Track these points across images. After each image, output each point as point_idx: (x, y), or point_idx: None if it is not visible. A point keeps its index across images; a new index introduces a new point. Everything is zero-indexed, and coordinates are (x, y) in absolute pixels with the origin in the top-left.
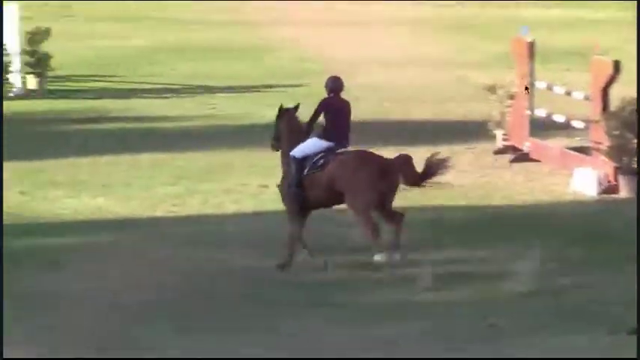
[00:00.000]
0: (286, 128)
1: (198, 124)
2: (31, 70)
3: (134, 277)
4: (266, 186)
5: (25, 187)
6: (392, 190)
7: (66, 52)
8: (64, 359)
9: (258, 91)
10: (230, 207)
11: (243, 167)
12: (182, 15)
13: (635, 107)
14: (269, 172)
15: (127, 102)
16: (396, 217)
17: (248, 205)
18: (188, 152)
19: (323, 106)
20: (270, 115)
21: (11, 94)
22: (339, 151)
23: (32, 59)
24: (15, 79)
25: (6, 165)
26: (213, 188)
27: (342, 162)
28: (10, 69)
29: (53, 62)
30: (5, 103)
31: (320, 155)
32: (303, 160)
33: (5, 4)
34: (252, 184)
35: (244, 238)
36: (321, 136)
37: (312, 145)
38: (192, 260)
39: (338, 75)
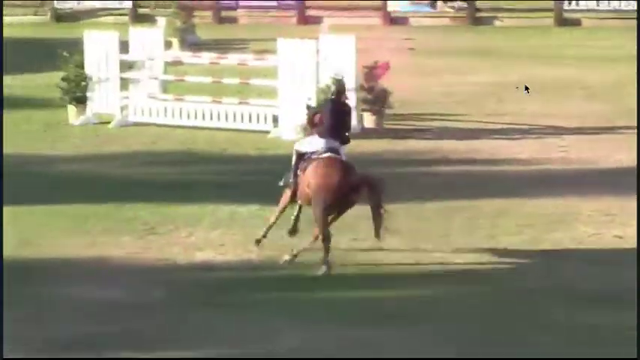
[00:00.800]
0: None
1: (547, 168)
2: (368, 107)
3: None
4: (621, 237)
5: (358, 234)
6: (343, 206)
7: (406, 88)
8: (64, 359)
9: (615, 133)
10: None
11: (595, 215)
12: (530, 50)
13: None
14: (627, 220)
15: (471, 143)
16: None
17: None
18: (535, 199)
19: (328, 107)
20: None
21: (347, 134)
22: (322, 155)
23: (370, 96)
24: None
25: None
26: (561, 238)
27: (314, 166)
28: None
29: (392, 99)
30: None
31: (309, 154)
32: (303, 155)
33: (343, 37)
34: (606, 234)
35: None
36: (320, 135)
37: (313, 142)
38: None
39: (341, 76)
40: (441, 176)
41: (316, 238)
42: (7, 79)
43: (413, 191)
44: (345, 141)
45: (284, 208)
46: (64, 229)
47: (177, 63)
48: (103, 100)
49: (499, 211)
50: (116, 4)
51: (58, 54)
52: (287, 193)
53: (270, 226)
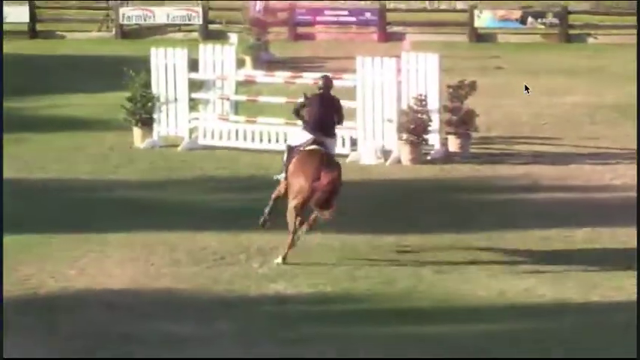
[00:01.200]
0: None
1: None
2: (452, 130)
3: None
4: None
5: (441, 264)
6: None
7: (493, 110)
8: (64, 359)
9: None
10: None
11: None
12: (626, 69)
13: None
14: None
15: (563, 168)
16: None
17: None
18: (628, 228)
19: (314, 101)
20: None
21: (429, 157)
22: (308, 147)
23: (454, 117)
24: (434, 139)
25: (415, 238)
26: None
27: (295, 159)
28: (429, 128)
29: (478, 121)
30: (414, 168)
31: (297, 147)
32: (293, 149)
33: (426, 55)
34: None
35: None
36: (307, 129)
37: (301, 136)
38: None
39: (327, 74)
40: (529, 204)
41: (310, 225)
42: (71, 99)
43: (499, 220)
44: (333, 134)
45: (277, 198)
46: (128, 259)
47: (249, 82)
48: (171, 121)
49: (590, 240)
50: (185, 20)
51: (124, 72)
52: (282, 185)
53: (269, 211)
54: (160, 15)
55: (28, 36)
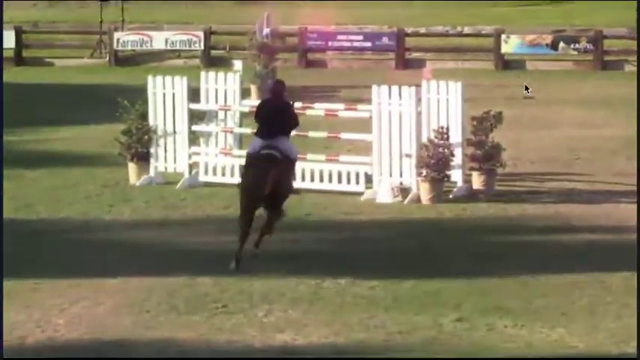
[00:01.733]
0: None
1: None
2: (476, 165)
3: None
4: None
5: (463, 312)
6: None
7: (521, 144)
8: (65, 359)
9: None
10: None
11: None
12: None
13: None
14: None
15: (597, 208)
16: (266, 221)
17: None
18: None
19: (260, 106)
20: None
21: (450, 195)
22: (262, 151)
23: (479, 152)
24: (456, 176)
25: (435, 283)
26: None
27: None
28: (451, 163)
29: (505, 156)
30: (435, 207)
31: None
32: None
33: (451, 83)
34: None
35: None
36: (257, 134)
37: (253, 142)
38: None
39: (280, 79)
40: (560, 246)
41: (263, 233)
42: (61, 132)
43: (528, 263)
44: (283, 132)
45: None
46: (122, 306)
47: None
48: (169, 156)
49: (627, 287)
50: (185, 46)
51: (118, 102)
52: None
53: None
54: (158, 40)
55: (14, 63)
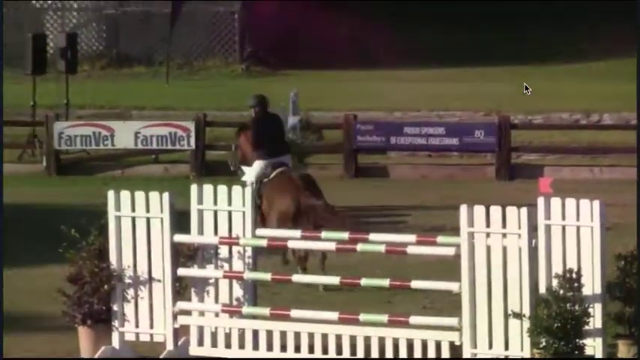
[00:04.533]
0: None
1: None
2: (624, 331)
3: None
4: None
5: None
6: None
7: None
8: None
9: None
10: None
11: None
12: None
13: None
14: None
15: None
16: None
17: None
18: None
19: (254, 125)
20: None
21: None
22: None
23: (629, 310)
24: (594, 347)
25: None
26: None
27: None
28: (585, 327)
29: None
30: None
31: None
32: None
33: (583, 202)
34: None
35: None
36: (260, 157)
37: (256, 168)
38: None
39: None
40: None
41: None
42: None
43: None
44: (287, 150)
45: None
46: None
47: (277, 248)
48: (143, 317)
49: None
50: (167, 144)
51: (62, 233)
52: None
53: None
54: (123, 134)
55: None
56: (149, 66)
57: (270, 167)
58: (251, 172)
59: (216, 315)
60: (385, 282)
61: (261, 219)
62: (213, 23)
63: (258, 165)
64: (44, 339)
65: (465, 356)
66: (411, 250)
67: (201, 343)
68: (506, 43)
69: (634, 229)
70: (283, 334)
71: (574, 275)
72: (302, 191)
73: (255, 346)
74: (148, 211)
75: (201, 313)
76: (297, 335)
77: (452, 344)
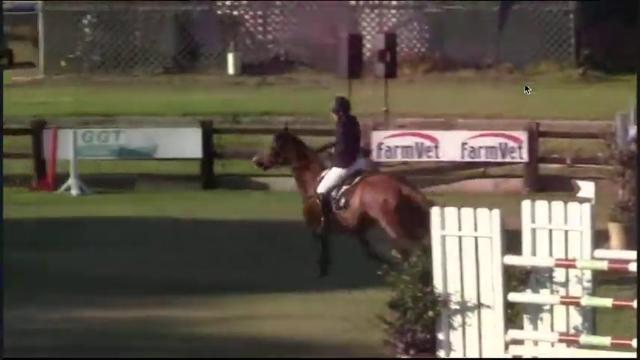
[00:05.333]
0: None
1: None
2: None
3: None
4: None
5: None
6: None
7: None
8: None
9: None
10: None
11: None
12: None
13: None
14: None
15: None
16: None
17: None
18: None
19: (340, 129)
20: None
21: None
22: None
23: None
24: None
25: None
26: None
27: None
28: None
29: None
30: None
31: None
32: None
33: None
34: None
35: None
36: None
37: (333, 177)
38: None
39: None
40: None
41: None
42: (269, 305)
43: None
44: (366, 153)
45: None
46: None
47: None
48: (471, 346)
49: None
50: (495, 155)
51: (377, 256)
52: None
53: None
54: (449, 145)
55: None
56: (476, 70)
57: (350, 177)
58: (327, 182)
59: (552, 345)
60: None
61: (345, 222)
62: (547, 23)
63: (336, 174)
64: None
65: None
66: None
67: None
68: None
69: None
70: None
71: None
72: (402, 184)
73: None
74: (475, 229)
75: (535, 343)
76: None
77: None
